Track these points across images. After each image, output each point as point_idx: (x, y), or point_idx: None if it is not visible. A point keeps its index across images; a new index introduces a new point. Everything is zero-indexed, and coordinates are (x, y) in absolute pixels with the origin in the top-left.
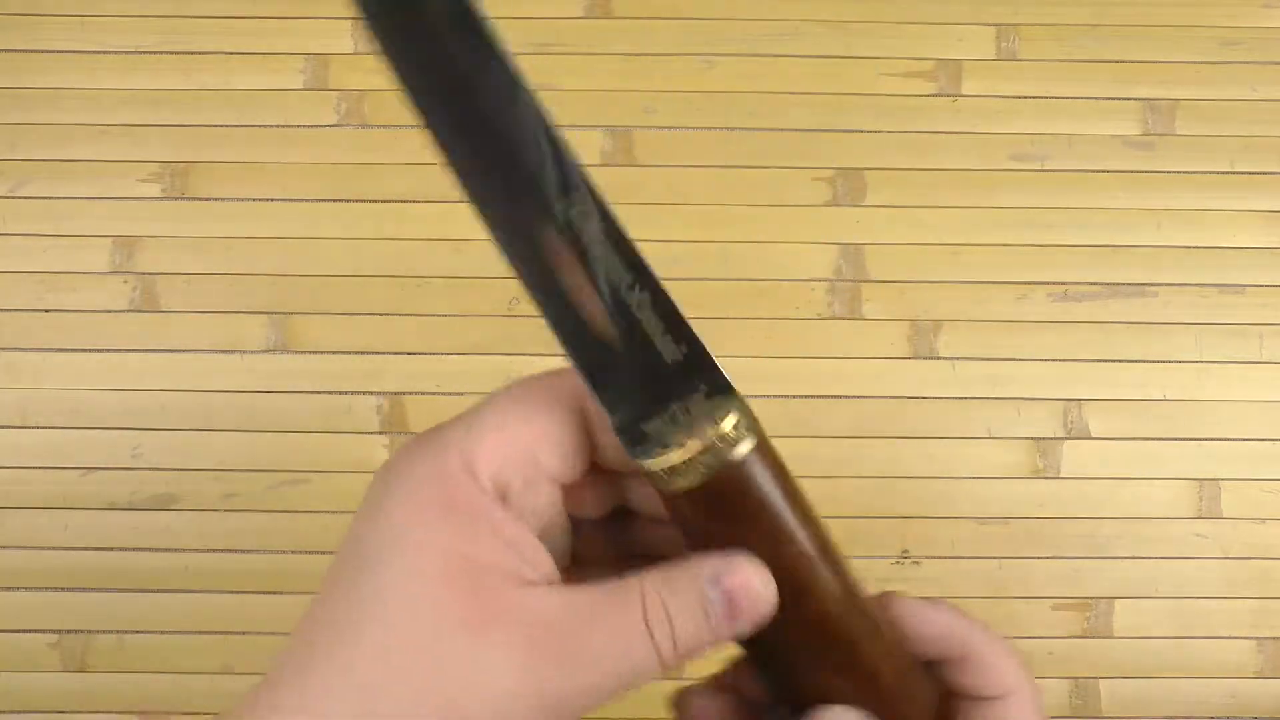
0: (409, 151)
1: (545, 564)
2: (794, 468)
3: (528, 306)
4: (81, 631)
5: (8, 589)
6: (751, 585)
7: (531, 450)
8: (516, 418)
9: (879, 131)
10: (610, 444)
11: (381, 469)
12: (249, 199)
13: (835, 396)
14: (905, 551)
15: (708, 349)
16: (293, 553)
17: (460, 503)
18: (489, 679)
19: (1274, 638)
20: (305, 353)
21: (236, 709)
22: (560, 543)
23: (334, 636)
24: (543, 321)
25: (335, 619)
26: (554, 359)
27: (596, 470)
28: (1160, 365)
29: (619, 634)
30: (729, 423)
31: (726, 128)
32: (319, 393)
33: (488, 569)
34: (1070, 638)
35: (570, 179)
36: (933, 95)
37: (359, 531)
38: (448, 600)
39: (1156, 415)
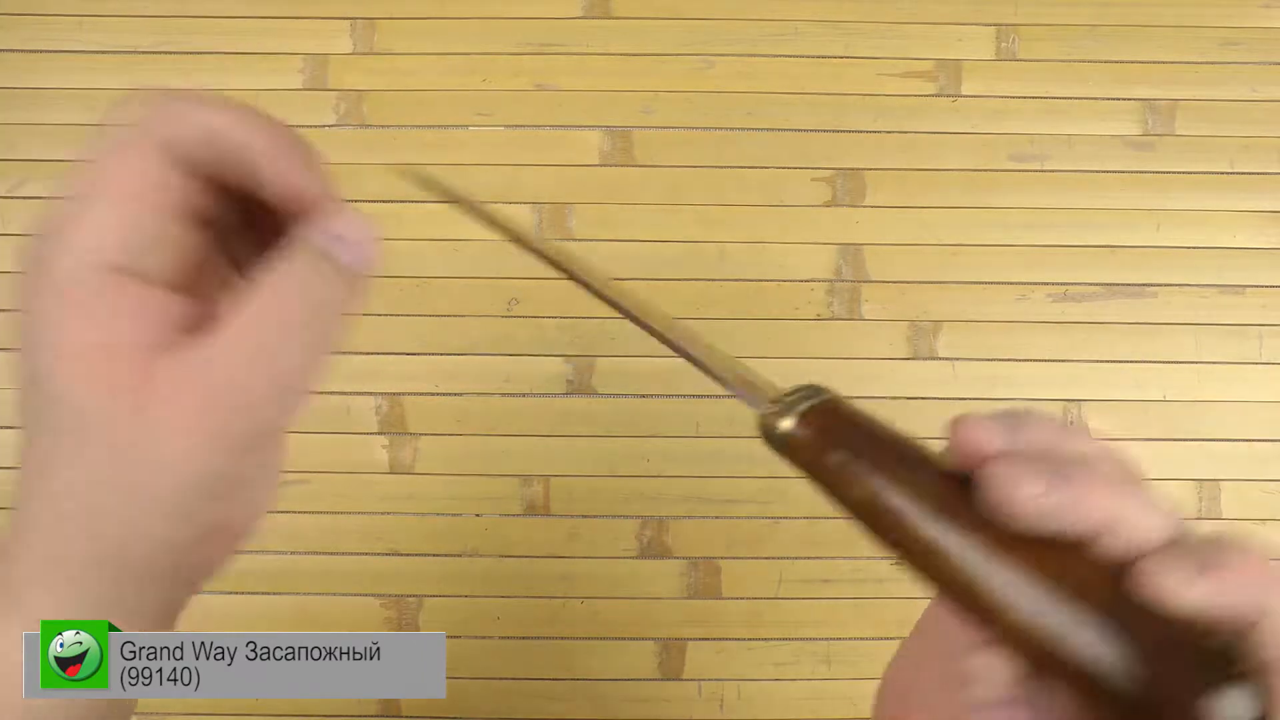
0: (409, 151)
1: (175, 309)
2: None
3: (526, 306)
4: None
5: None
6: (348, 215)
7: (135, 218)
8: (111, 201)
9: (879, 131)
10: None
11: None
12: None
13: None
14: None
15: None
16: (292, 553)
17: (73, 299)
18: (162, 452)
19: None
20: None
21: None
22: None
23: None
24: (540, 322)
25: (29, 462)
26: (551, 359)
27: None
28: (1160, 365)
29: (249, 349)
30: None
31: (726, 128)
32: (318, 393)
33: (121, 349)
34: None
35: None
36: (933, 95)
37: (26, 374)
38: (102, 398)
39: (1156, 415)
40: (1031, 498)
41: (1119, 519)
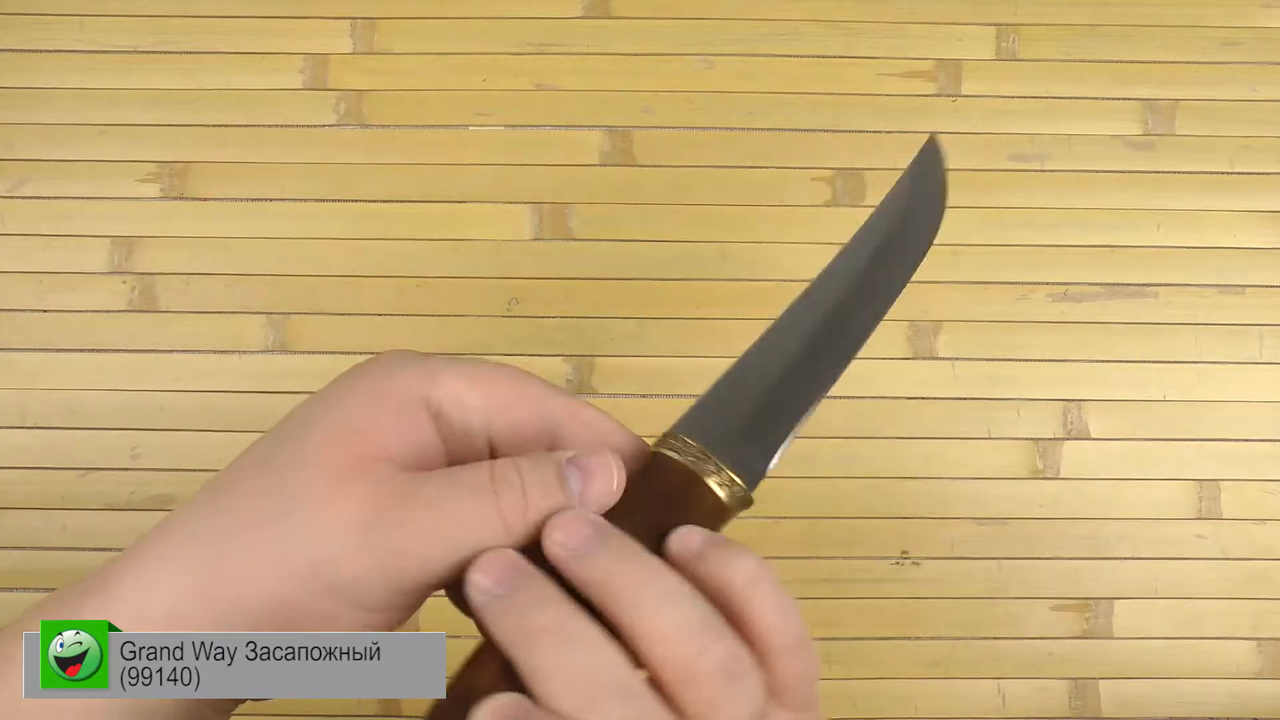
0: (409, 151)
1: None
2: (794, 468)
3: (526, 307)
4: None
5: (6, 589)
6: (606, 461)
7: (483, 408)
8: (487, 379)
9: (879, 131)
10: (577, 433)
11: (352, 370)
12: (247, 199)
13: (835, 396)
14: (905, 552)
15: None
16: None
17: (391, 393)
18: (338, 522)
19: (1274, 638)
20: (304, 353)
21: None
22: None
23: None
24: (540, 322)
25: (236, 476)
26: (550, 359)
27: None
28: (1160, 365)
29: (458, 488)
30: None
31: (726, 128)
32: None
33: (382, 446)
34: (1070, 638)
35: None
36: (933, 95)
37: (301, 407)
38: (332, 461)
39: (1156, 415)
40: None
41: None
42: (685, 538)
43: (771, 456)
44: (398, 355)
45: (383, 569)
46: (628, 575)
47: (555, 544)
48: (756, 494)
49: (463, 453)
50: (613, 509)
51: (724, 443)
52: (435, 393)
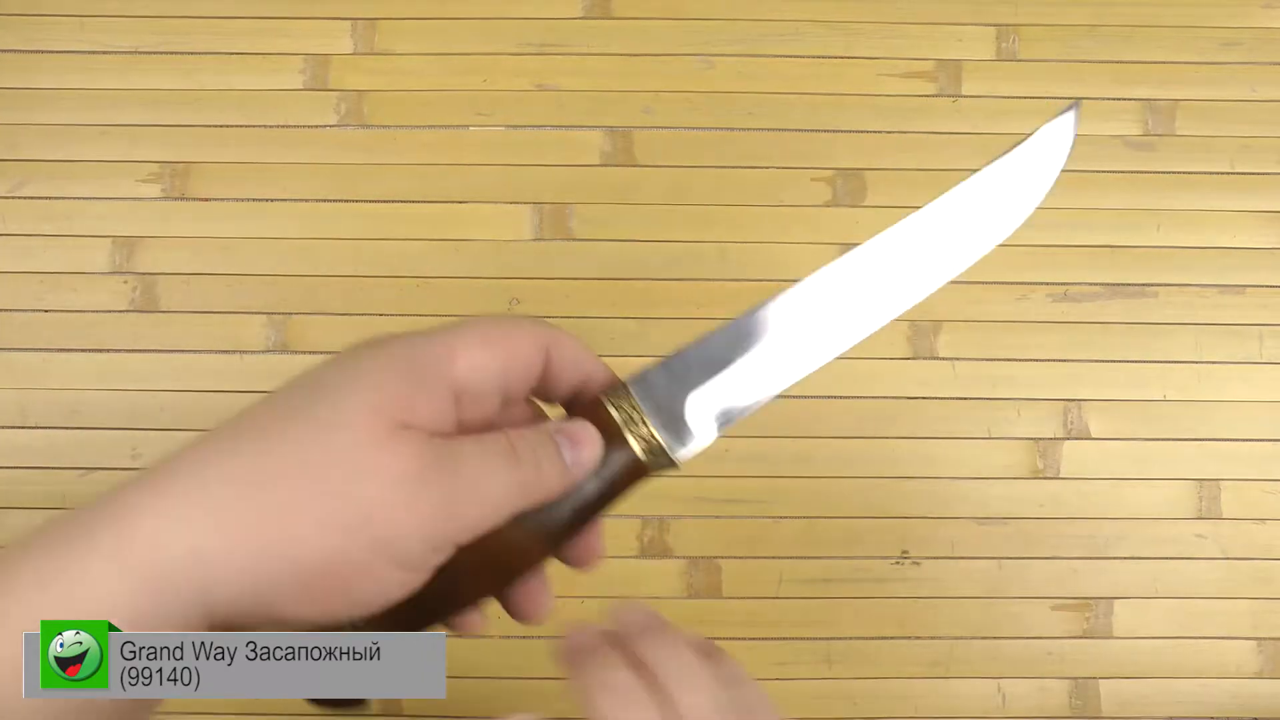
0: (409, 151)
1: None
2: (794, 468)
3: (526, 307)
4: None
5: None
6: (589, 430)
7: (502, 369)
8: (502, 338)
9: (879, 131)
10: (565, 382)
11: (372, 341)
12: (248, 199)
13: (835, 396)
14: (905, 551)
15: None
16: None
17: (420, 370)
18: (384, 485)
19: (1274, 638)
20: (305, 353)
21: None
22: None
23: (265, 433)
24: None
25: (266, 424)
26: None
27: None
28: (1160, 365)
29: (491, 457)
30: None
31: (726, 128)
32: None
33: (414, 417)
34: (1070, 638)
35: None
36: (933, 95)
37: (323, 371)
38: (371, 426)
39: (1156, 415)
40: None
41: None
42: (624, 615)
43: (708, 434)
44: (411, 339)
45: (426, 526)
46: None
47: (620, 624)
48: (756, 493)
49: (473, 408)
50: None
51: (662, 408)
52: (457, 368)
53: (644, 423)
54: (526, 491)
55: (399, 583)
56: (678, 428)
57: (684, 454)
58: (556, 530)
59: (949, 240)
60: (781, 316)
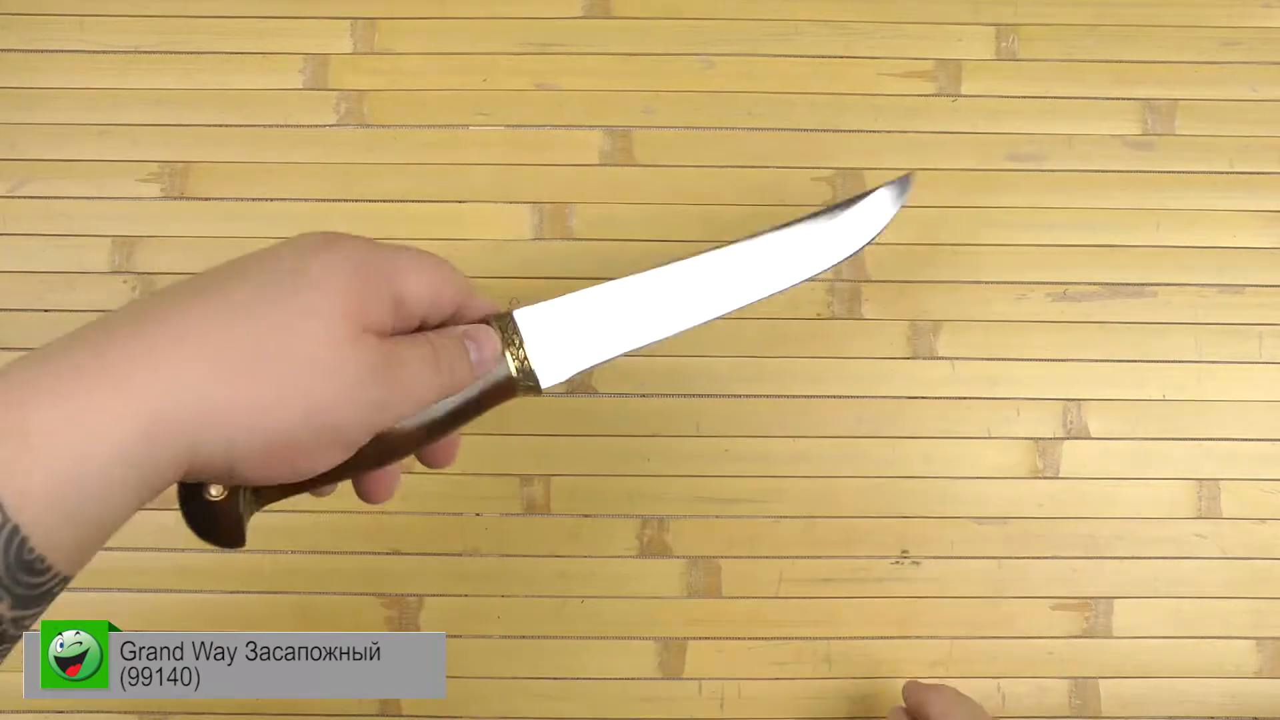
0: (409, 151)
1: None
2: (794, 468)
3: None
4: None
5: None
6: (490, 334)
7: (432, 299)
8: (436, 272)
9: (879, 131)
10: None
11: (326, 237)
12: (248, 199)
13: (835, 396)
14: (905, 551)
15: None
16: (292, 552)
17: (375, 281)
18: (345, 380)
19: (1274, 638)
20: None
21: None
22: None
23: (249, 308)
24: None
25: (250, 303)
26: None
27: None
28: (1160, 365)
29: (421, 361)
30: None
31: (726, 128)
32: None
33: (368, 321)
34: (1070, 638)
35: None
36: (932, 95)
37: (291, 260)
38: (339, 327)
39: (1156, 415)
40: None
41: None
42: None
43: (570, 370)
44: (364, 247)
45: (366, 419)
46: None
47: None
48: (756, 493)
49: (401, 323)
50: None
51: (537, 340)
52: (400, 287)
53: (520, 347)
54: (443, 391)
55: (332, 460)
56: (547, 359)
57: (547, 381)
58: (433, 428)
59: (778, 266)
60: (643, 290)
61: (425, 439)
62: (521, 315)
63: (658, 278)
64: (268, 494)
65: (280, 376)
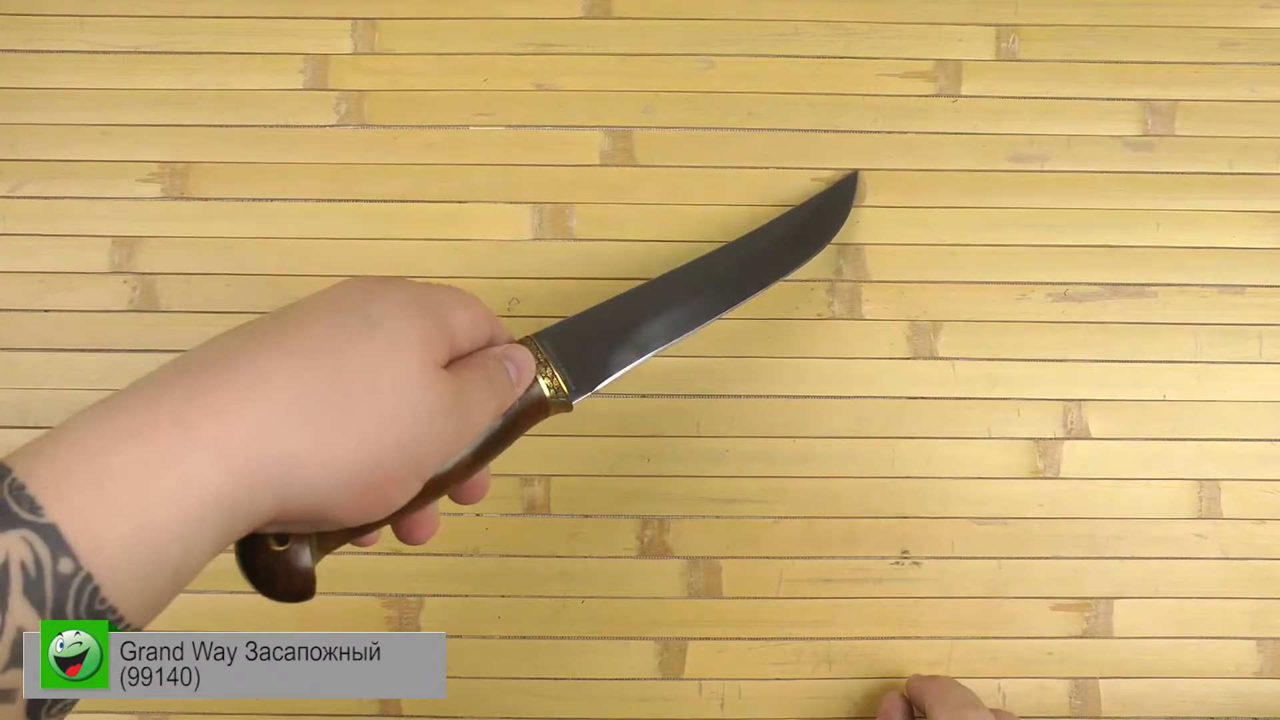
0: (409, 151)
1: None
2: (794, 468)
3: (526, 306)
4: None
5: None
6: (525, 352)
7: (473, 330)
8: (474, 306)
9: (879, 131)
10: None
11: (380, 280)
12: (248, 199)
13: (835, 396)
14: (905, 551)
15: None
16: None
17: (437, 317)
18: (431, 410)
19: (1274, 638)
20: None
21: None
22: None
23: (335, 355)
24: (540, 322)
25: (332, 343)
26: None
27: None
28: (1160, 365)
29: (481, 387)
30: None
31: (726, 128)
32: None
33: (439, 355)
34: (1070, 638)
35: None
36: (932, 95)
37: (361, 301)
38: (420, 362)
39: (1156, 415)
40: None
41: None
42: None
43: (600, 380)
44: (416, 288)
45: (445, 448)
46: None
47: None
48: (756, 493)
49: (453, 355)
50: None
51: (565, 358)
52: (450, 321)
53: (548, 365)
54: (497, 411)
55: (414, 492)
56: (576, 376)
57: (578, 395)
58: (478, 455)
59: (766, 262)
60: (650, 299)
61: (471, 466)
62: (544, 337)
63: (659, 286)
64: (332, 540)
65: (372, 412)
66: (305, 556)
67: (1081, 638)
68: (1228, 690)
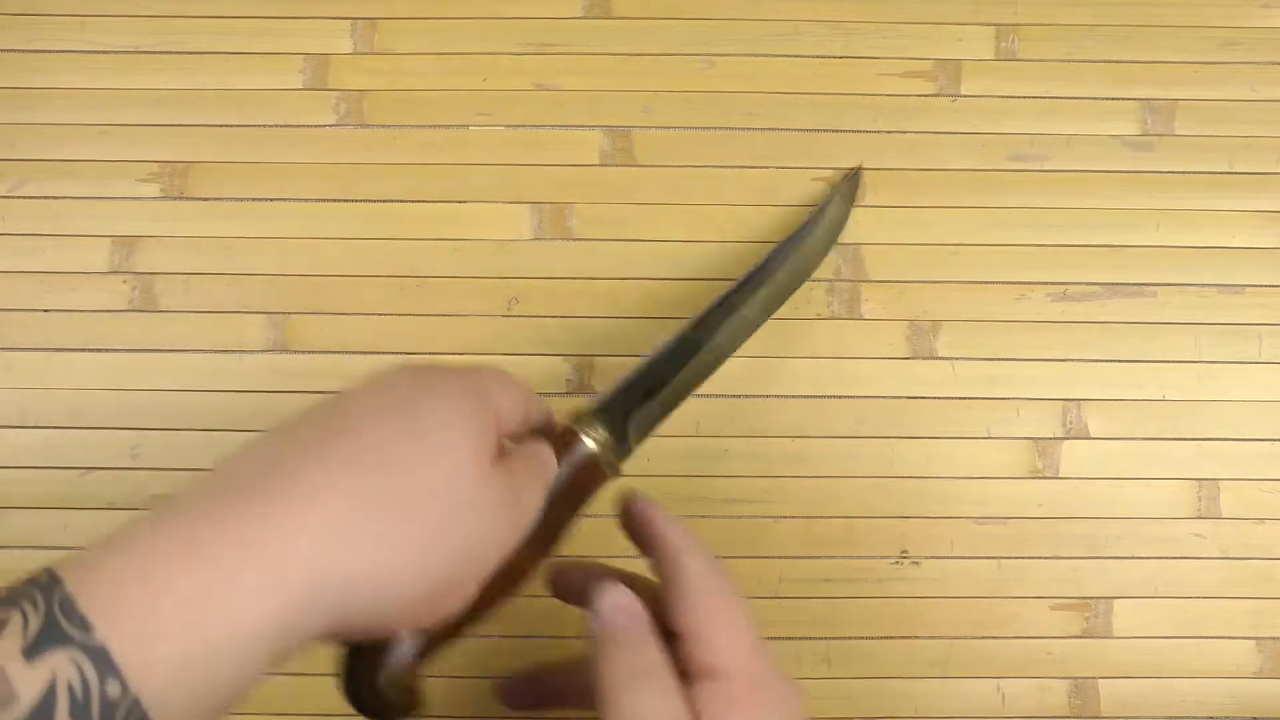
0: (409, 151)
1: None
2: (793, 468)
3: (526, 306)
4: None
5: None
6: (548, 448)
7: (513, 414)
8: (513, 389)
9: (879, 131)
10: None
11: (425, 371)
12: (248, 199)
13: (835, 396)
14: (904, 551)
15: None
16: None
17: (483, 406)
18: (487, 506)
19: (1274, 638)
20: (304, 353)
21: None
22: None
23: (393, 455)
24: (540, 322)
25: (383, 446)
26: (551, 359)
27: None
28: (1159, 365)
29: (531, 477)
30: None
31: (726, 128)
32: (318, 393)
33: (490, 447)
34: (1069, 638)
35: None
36: (932, 95)
37: (410, 394)
38: (473, 456)
39: (1156, 415)
40: None
41: None
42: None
43: (640, 442)
44: (462, 378)
45: (505, 545)
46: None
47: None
48: (756, 494)
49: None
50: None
51: (614, 429)
52: (497, 409)
53: (595, 428)
54: (544, 489)
55: (469, 596)
56: (624, 443)
57: (626, 454)
58: (544, 540)
59: (775, 292)
60: (674, 352)
61: (537, 555)
62: (599, 413)
63: (681, 339)
64: (432, 644)
65: (431, 520)
66: (405, 671)
67: (1081, 638)
68: (1228, 690)
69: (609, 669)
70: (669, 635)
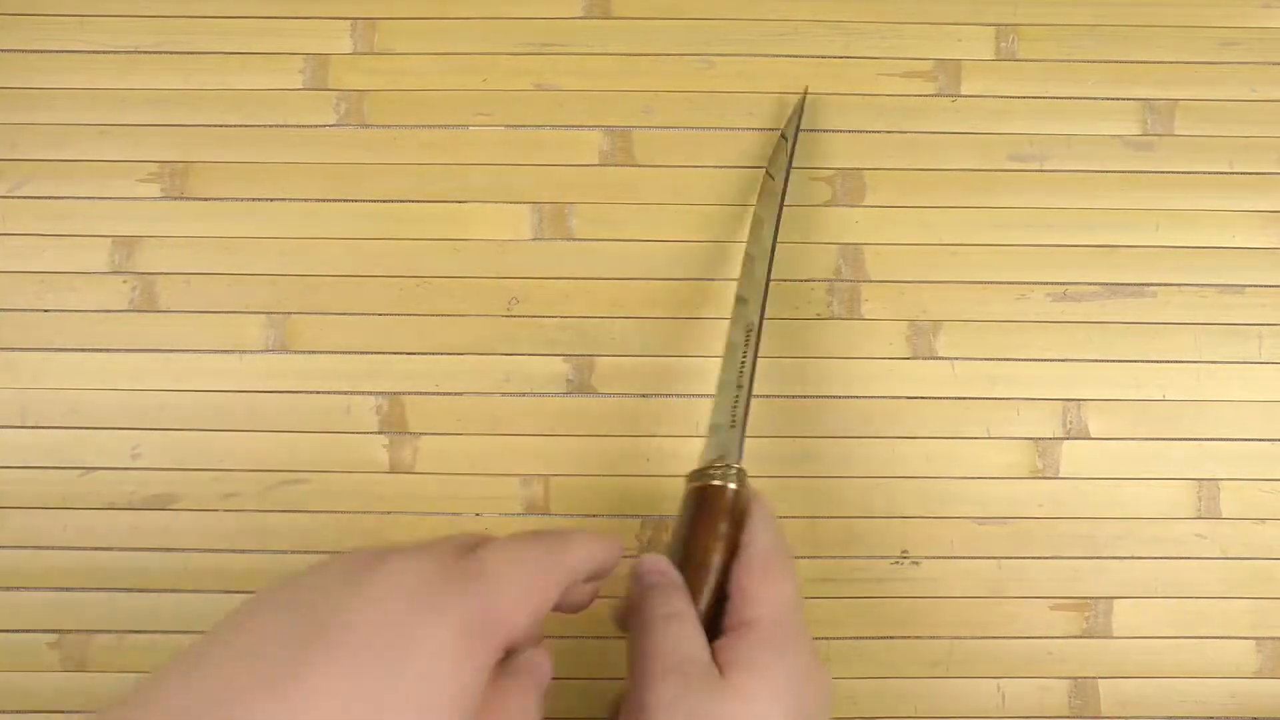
0: (409, 151)
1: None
2: (794, 468)
3: (526, 306)
4: (81, 631)
5: (7, 589)
6: (541, 652)
7: (529, 616)
8: (535, 572)
9: (879, 131)
10: (572, 603)
11: (425, 577)
12: (248, 199)
13: (835, 396)
14: (904, 551)
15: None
16: (292, 552)
17: (478, 648)
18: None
19: (1274, 638)
20: (304, 353)
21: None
22: None
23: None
24: (540, 322)
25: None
26: (550, 359)
27: None
28: (1160, 365)
29: (518, 708)
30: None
31: (726, 128)
32: (318, 393)
33: (475, 694)
34: (1069, 638)
35: None
36: (932, 95)
37: (382, 635)
38: (458, 666)
39: (1156, 415)
40: None
41: None
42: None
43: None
44: (466, 599)
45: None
46: None
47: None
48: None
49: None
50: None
51: (729, 453)
52: (505, 625)
53: (725, 467)
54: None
55: None
56: (739, 453)
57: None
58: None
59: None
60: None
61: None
62: (717, 451)
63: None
64: None
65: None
66: None
67: (1081, 637)
68: (1228, 690)
69: (645, 611)
70: (720, 602)
